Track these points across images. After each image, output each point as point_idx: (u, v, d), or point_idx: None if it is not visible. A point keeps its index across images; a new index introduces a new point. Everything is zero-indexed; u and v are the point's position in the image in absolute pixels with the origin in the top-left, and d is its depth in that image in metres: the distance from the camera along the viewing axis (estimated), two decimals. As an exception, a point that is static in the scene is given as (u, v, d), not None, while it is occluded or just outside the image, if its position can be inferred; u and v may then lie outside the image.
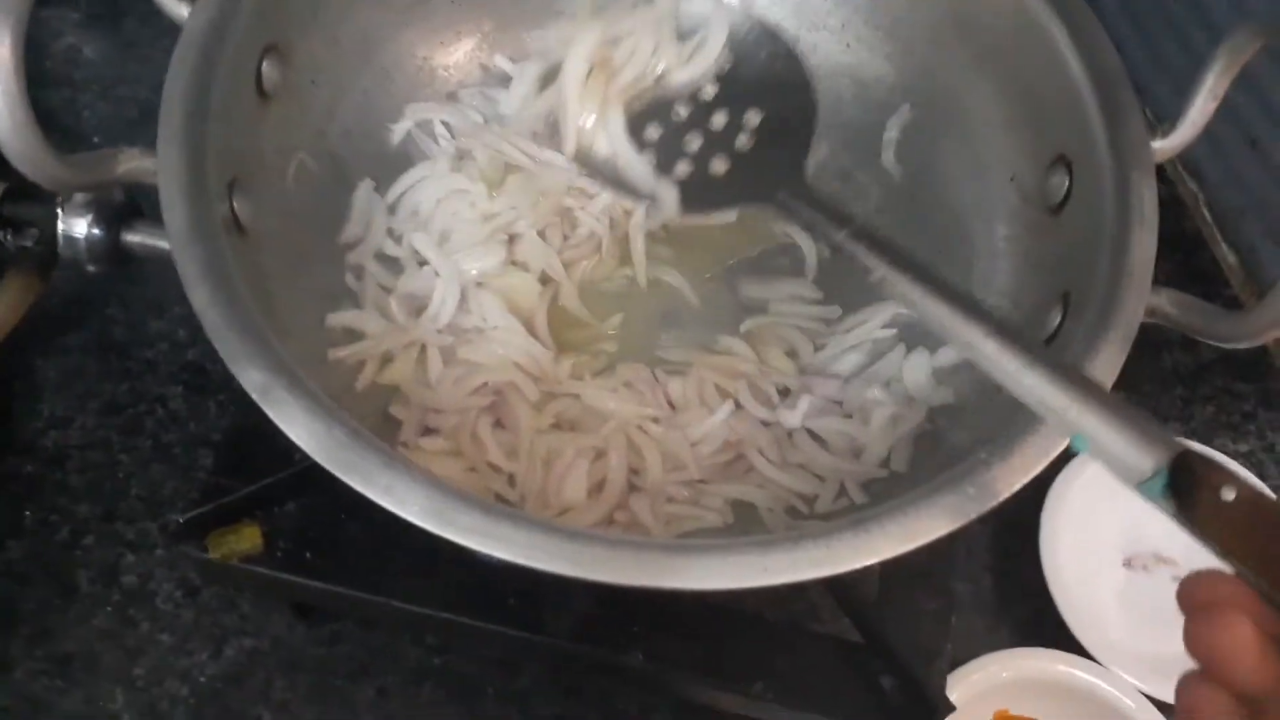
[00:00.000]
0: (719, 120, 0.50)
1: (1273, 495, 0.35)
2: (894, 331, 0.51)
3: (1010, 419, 0.40)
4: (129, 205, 0.44)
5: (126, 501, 0.57)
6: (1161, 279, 0.43)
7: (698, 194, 0.48)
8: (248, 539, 0.46)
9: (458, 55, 0.55)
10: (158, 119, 0.66)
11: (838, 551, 0.35)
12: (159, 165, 0.38)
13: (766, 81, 0.50)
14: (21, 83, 0.33)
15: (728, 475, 0.47)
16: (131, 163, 0.39)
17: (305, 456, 0.35)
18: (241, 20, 0.42)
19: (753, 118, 0.49)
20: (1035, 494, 0.57)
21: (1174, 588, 0.57)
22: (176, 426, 0.59)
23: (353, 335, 0.48)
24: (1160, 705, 0.53)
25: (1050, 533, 0.57)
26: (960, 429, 0.46)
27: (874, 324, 0.51)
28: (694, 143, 0.49)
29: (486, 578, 0.46)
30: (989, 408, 0.45)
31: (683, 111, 0.51)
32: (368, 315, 0.48)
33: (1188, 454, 0.31)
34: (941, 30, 0.53)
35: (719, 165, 0.49)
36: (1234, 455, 0.64)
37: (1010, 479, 0.37)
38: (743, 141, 0.49)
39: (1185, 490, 0.31)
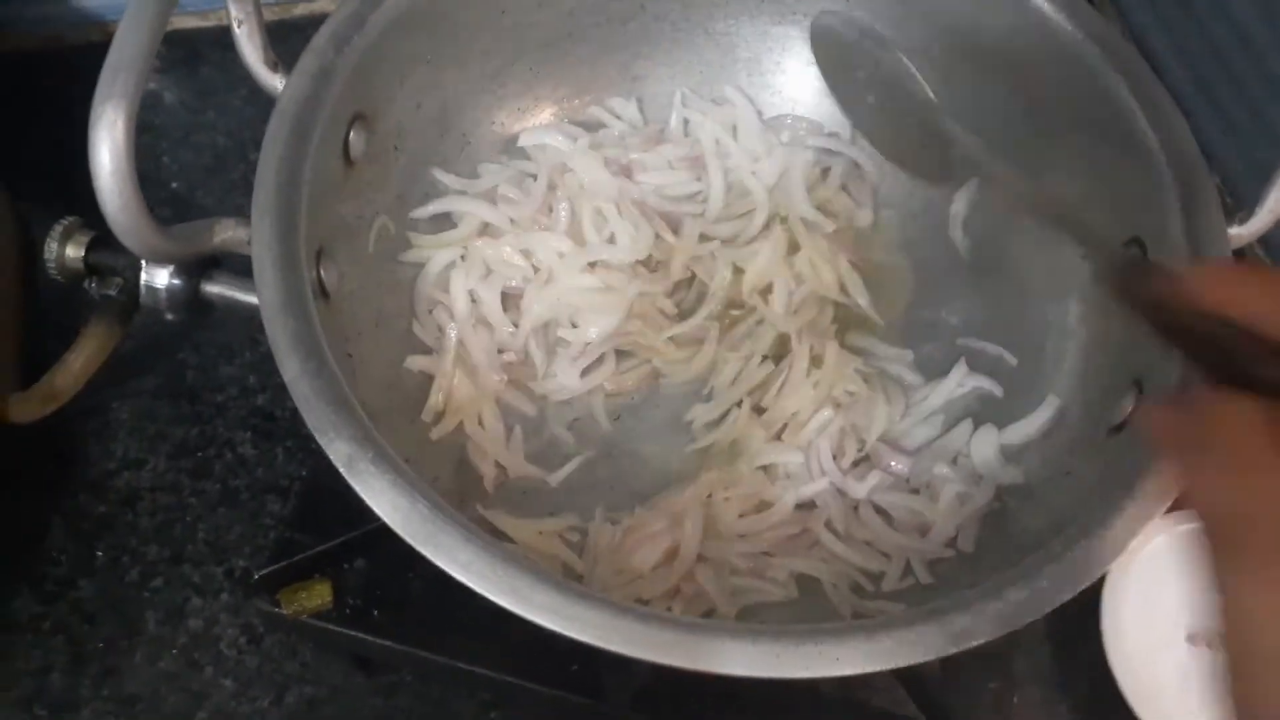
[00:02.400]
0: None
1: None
2: (970, 388, 0.52)
3: (1084, 505, 0.40)
4: (209, 257, 0.46)
5: (194, 545, 0.58)
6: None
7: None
8: (319, 595, 0.47)
9: (534, 121, 0.56)
10: (233, 166, 0.69)
11: (911, 644, 0.35)
12: (253, 237, 0.39)
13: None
14: (132, 163, 0.34)
15: (793, 549, 0.47)
16: (226, 233, 0.40)
17: (379, 517, 0.36)
18: (333, 92, 0.44)
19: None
20: (1098, 570, 0.57)
21: (1239, 669, 0.57)
22: (244, 471, 0.60)
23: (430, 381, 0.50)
24: (1222, 788, 0.52)
25: (1112, 607, 0.56)
26: (1030, 510, 0.46)
27: (952, 381, 0.52)
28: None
29: (550, 642, 0.46)
30: (1059, 491, 0.45)
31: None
32: (446, 368, 0.49)
33: None
34: (1015, 105, 0.53)
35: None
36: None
37: (1083, 573, 0.37)
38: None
39: None
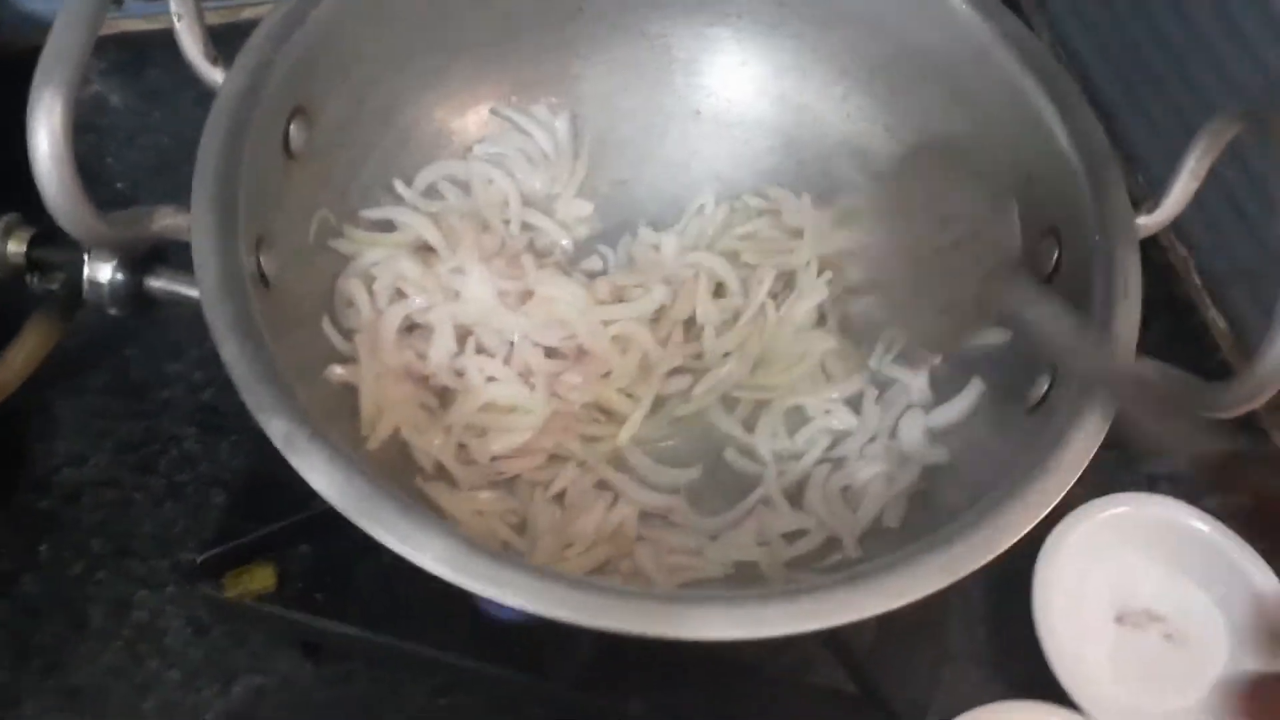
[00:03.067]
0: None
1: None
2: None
3: (1000, 480, 0.42)
4: (153, 252, 0.46)
5: (139, 539, 0.58)
6: (1153, 343, 0.44)
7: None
8: (261, 579, 0.47)
9: (475, 118, 0.57)
10: (178, 166, 0.69)
11: (832, 606, 0.36)
12: (192, 224, 0.40)
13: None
14: (70, 149, 0.35)
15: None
16: (166, 220, 0.41)
17: (322, 501, 0.37)
18: (272, 84, 0.44)
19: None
20: (1030, 548, 0.58)
21: (1165, 646, 0.59)
22: (189, 466, 0.60)
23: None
24: (1147, 762, 0.54)
25: (1043, 588, 0.58)
26: (952, 488, 0.48)
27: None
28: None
29: (494, 622, 0.47)
30: (981, 468, 0.47)
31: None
32: (366, 378, 0.49)
33: None
34: (936, 103, 0.55)
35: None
36: (1224, 516, 0.65)
37: (998, 539, 0.39)
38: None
39: None
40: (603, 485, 0.49)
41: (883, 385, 0.54)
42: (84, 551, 0.57)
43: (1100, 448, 0.41)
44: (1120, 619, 0.61)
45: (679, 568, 0.47)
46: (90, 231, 0.37)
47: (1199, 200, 0.48)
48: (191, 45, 0.45)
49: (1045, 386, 0.46)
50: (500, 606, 0.35)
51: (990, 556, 0.39)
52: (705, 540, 0.48)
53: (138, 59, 0.74)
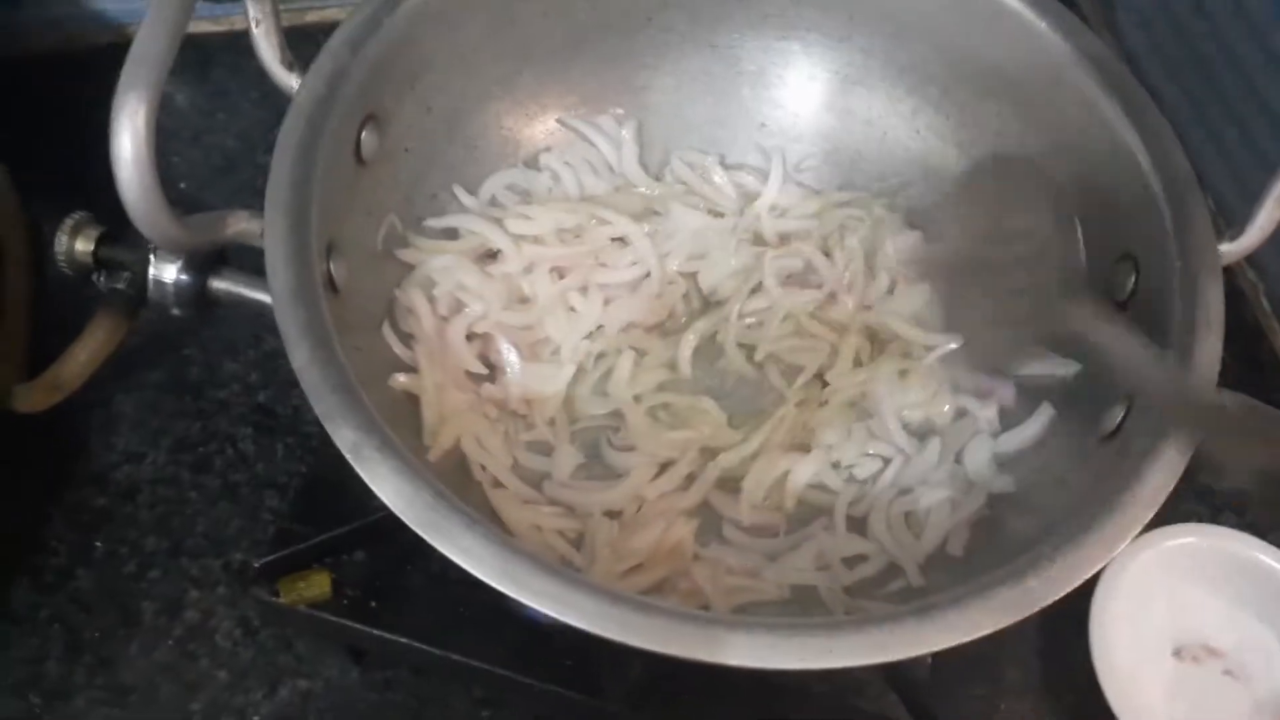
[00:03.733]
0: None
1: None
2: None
3: (1074, 512, 0.41)
4: (217, 253, 0.46)
5: (193, 538, 0.58)
6: (1220, 370, 0.43)
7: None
8: (317, 585, 0.47)
9: (541, 128, 0.57)
10: (241, 167, 0.70)
11: (900, 638, 0.36)
12: (266, 229, 0.40)
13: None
14: (152, 151, 0.35)
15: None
16: (240, 225, 0.41)
17: (380, 508, 0.37)
18: (347, 92, 0.45)
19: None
20: (1088, 579, 0.57)
21: (1224, 681, 0.58)
22: (245, 467, 0.60)
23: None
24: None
25: (1100, 620, 0.57)
26: (1020, 517, 0.47)
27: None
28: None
29: (546, 636, 0.47)
30: (1050, 497, 0.46)
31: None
32: (427, 387, 0.49)
33: None
34: (1009, 121, 0.54)
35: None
36: (1294, 546, 0.63)
37: (1073, 574, 0.38)
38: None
39: None
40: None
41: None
42: (139, 549, 0.58)
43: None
44: (1178, 653, 0.59)
45: (736, 589, 0.46)
46: (167, 235, 0.37)
47: (1270, 224, 0.47)
48: (268, 50, 0.45)
49: (1120, 416, 0.45)
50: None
51: (1064, 591, 0.38)
52: (763, 561, 0.48)
53: (203, 60, 0.75)
